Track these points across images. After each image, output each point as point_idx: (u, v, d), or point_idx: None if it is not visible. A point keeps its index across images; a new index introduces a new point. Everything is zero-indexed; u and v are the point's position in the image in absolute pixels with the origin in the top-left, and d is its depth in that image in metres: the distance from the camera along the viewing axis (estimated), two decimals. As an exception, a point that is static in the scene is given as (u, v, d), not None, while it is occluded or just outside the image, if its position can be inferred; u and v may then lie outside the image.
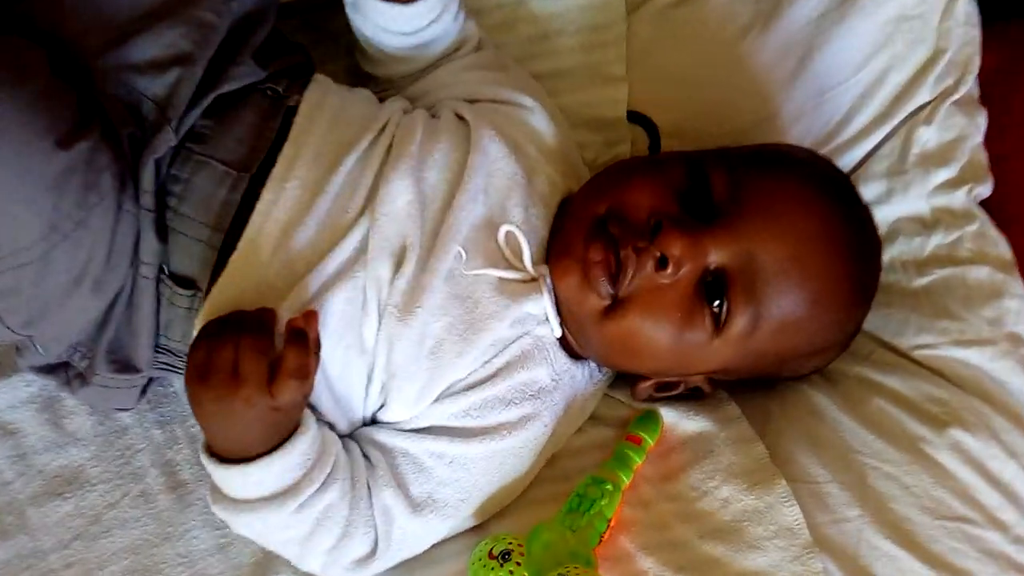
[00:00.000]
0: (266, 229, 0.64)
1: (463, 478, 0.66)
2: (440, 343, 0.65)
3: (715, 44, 0.80)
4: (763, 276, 0.64)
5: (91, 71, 0.62)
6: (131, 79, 0.63)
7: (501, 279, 0.66)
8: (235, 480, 0.60)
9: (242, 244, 0.64)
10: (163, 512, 0.70)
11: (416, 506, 0.65)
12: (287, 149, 0.65)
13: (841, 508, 0.67)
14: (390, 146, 0.67)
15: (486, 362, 0.66)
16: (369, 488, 0.65)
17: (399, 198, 0.65)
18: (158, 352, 0.68)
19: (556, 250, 0.67)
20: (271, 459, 0.59)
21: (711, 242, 0.63)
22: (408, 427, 0.67)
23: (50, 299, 0.61)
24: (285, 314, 0.62)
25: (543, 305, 0.67)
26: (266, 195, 0.64)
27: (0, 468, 0.69)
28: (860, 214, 0.70)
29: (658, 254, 0.63)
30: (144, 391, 0.71)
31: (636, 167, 0.70)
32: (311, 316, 0.60)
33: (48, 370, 0.68)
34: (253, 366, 0.56)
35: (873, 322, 0.74)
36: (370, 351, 0.64)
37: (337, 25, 0.81)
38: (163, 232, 0.64)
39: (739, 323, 0.64)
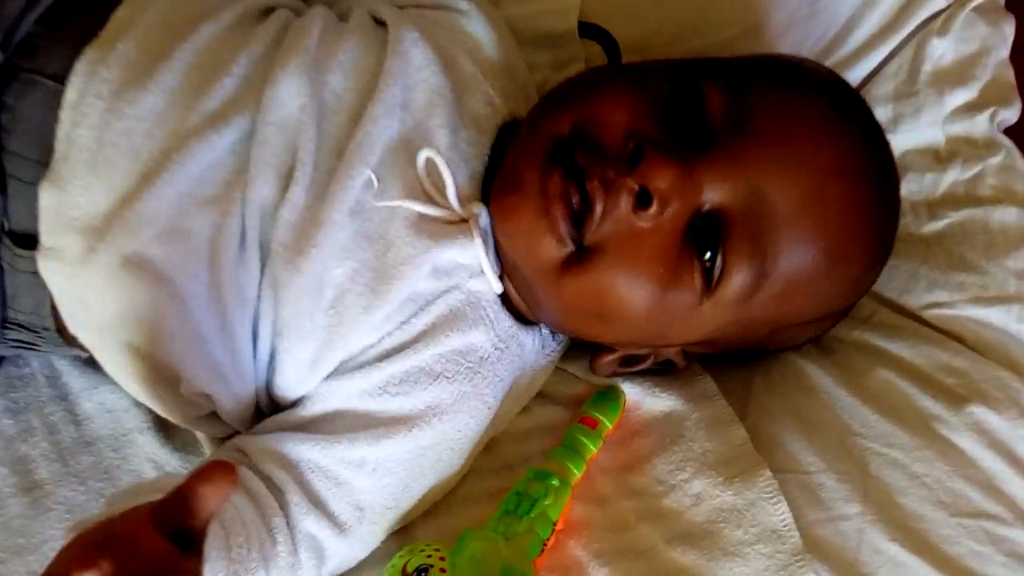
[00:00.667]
0: (89, 95, 0.51)
1: (390, 484, 0.55)
2: (342, 295, 0.53)
3: None
4: (772, 221, 0.52)
5: None
6: None
7: (421, 216, 0.54)
8: None
9: (63, 114, 0.51)
10: (13, 520, 0.59)
11: (342, 524, 0.54)
12: (122, 10, 0.53)
13: (838, 504, 0.58)
14: (278, 42, 0.55)
15: (403, 323, 0.55)
16: (288, 523, 0.53)
17: (290, 102, 0.53)
18: (6, 328, 0.56)
19: (500, 182, 0.55)
20: None
21: (706, 174, 0.51)
22: (310, 413, 0.55)
23: None
24: (128, 238, 0.50)
25: (475, 252, 0.55)
26: (90, 53, 0.52)
27: None
28: (884, 145, 0.58)
29: (637, 188, 0.50)
30: None
31: (610, 75, 0.58)
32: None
33: None
34: None
35: None
36: (252, 300, 0.53)
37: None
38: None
39: (737, 281, 0.53)
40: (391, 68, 0.55)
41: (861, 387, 0.62)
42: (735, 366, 0.64)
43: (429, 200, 0.55)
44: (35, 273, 0.53)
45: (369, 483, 0.54)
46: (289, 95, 0.53)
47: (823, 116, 0.54)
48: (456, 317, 0.55)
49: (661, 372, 0.62)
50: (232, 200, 0.52)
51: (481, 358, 0.56)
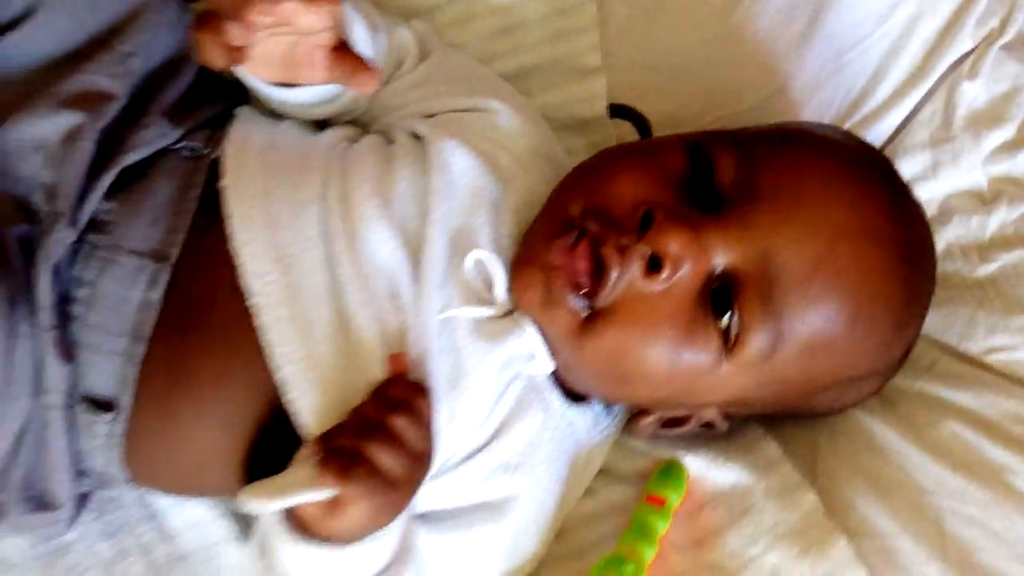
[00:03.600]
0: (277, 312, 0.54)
1: None
2: None
3: (704, 15, 0.71)
4: (785, 282, 0.52)
5: None
6: (15, 166, 0.54)
7: (477, 321, 0.55)
8: (334, 562, 0.50)
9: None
10: None
11: None
12: (228, 182, 0.56)
13: (917, 567, 0.57)
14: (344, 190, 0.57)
15: (480, 425, 0.56)
16: None
17: (381, 248, 0.55)
18: (85, 476, 0.58)
19: (514, 258, 0.56)
20: (378, 539, 0.50)
21: (717, 237, 0.52)
22: None
23: None
24: None
25: (527, 341, 0.56)
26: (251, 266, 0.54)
27: (-76, 610, 0.61)
28: (908, 202, 0.58)
29: (649, 252, 0.51)
30: (84, 499, 0.61)
31: (620, 153, 0.59)
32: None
33: None
34: (406, 462, 0.50)
35: (932, 324, 0.64)
36: None
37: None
38: (69, 349, 0.54)
39: (755, 342, 0.53)
40: (436, 185, 0.56)
41: (929, 442, 0.61)
42: (797, 426, 0.63)
43: (479, 301, 0.56)
44: (108, 436, 0.55)
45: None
46: (379, 242, 0.54)
47: (834, 178, 0.54)
48: (521, 407, 0.56)
49: (707, 433, 0.61)
50: None
51: (539, 441, 0.57)
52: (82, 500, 0.61)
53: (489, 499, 0.56)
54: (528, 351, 0.56)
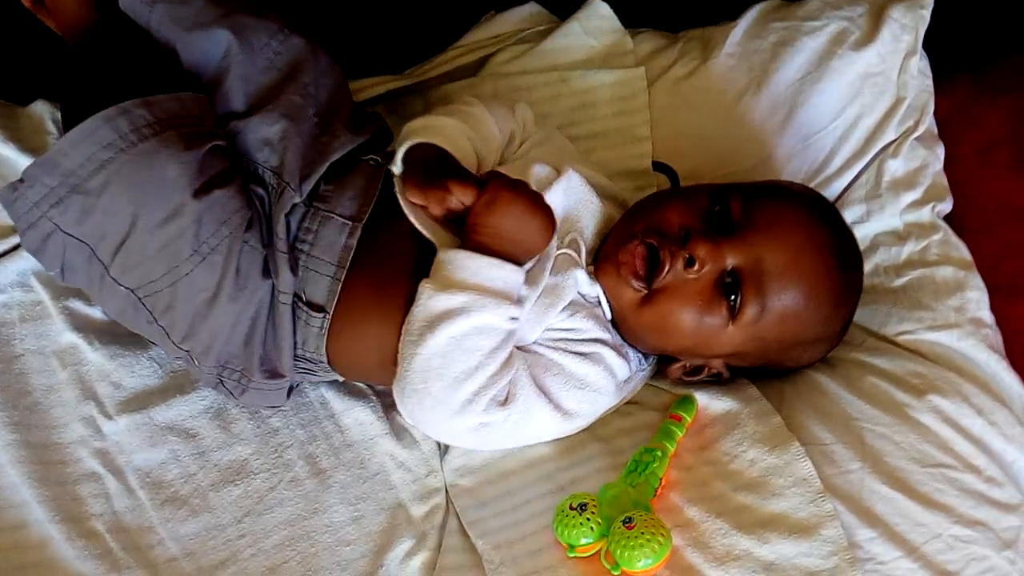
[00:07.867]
0: None
1: (591, 397, 0.79)
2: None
3: (718, 105, 0.93)
4: (768, 276, 0.76)
5: (234, 150, 0.79)
6: (253, 155, 0.78)
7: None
8: (486, 268, 0.72)
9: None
10: (309, 493, 0.81)
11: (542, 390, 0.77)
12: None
13: (845, 462, 0.76)
14: None
15: (569, 316, 0.79)
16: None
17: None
18: (297, 361, 0.82)
19: (599, 256, 0.81)
20: (517, 268, 0.73)
21: (728, 249, 0.76)
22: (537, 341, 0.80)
23: (196, 313, 0.75)
24: None
25: (596, 290, 0.79)
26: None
27: (187, 463, 0.82)
28: (844, 232, 0.81)
29: (687, 256, 0.75)
30: (288, 395, 0.84)
31: (668, 195, 0.84)
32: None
33: (216, 385, 0.83)
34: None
35: (863, 316, 0.85)
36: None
37: (413, 110, 0.97)
38: (295, 267, 0.79)
39: (749, 312, 0.76)
40: (562, 186, 0.82)
41: (857, 388, 0.80)
42: (771, 381, 0.83)
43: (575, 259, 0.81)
44: (319, 328, 0.78)
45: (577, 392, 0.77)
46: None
47: (798, 214, 0.77)
48: (592, 320, 0.79)
49: (714, 382, 0.81)
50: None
51: (610, 344, 0.79)
52: (290, 392, 0.84)
53: (578, 349, 0.77)
54: (597, 295, 0.80)
